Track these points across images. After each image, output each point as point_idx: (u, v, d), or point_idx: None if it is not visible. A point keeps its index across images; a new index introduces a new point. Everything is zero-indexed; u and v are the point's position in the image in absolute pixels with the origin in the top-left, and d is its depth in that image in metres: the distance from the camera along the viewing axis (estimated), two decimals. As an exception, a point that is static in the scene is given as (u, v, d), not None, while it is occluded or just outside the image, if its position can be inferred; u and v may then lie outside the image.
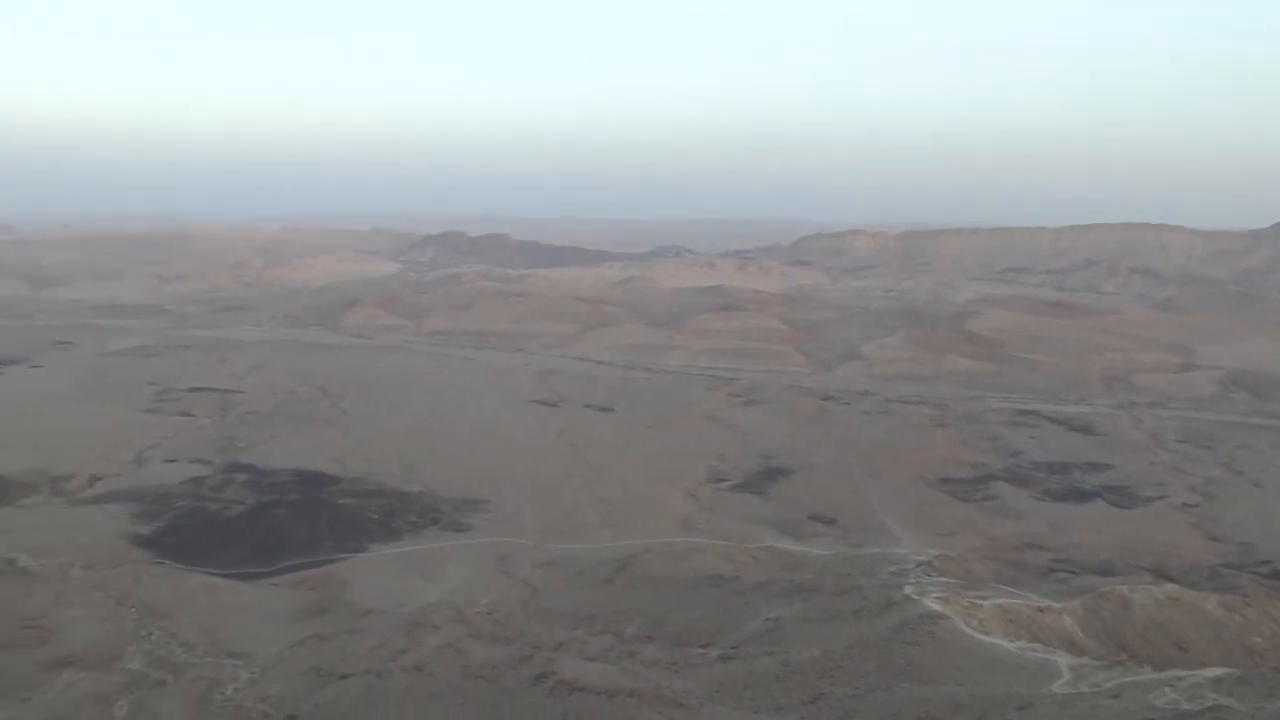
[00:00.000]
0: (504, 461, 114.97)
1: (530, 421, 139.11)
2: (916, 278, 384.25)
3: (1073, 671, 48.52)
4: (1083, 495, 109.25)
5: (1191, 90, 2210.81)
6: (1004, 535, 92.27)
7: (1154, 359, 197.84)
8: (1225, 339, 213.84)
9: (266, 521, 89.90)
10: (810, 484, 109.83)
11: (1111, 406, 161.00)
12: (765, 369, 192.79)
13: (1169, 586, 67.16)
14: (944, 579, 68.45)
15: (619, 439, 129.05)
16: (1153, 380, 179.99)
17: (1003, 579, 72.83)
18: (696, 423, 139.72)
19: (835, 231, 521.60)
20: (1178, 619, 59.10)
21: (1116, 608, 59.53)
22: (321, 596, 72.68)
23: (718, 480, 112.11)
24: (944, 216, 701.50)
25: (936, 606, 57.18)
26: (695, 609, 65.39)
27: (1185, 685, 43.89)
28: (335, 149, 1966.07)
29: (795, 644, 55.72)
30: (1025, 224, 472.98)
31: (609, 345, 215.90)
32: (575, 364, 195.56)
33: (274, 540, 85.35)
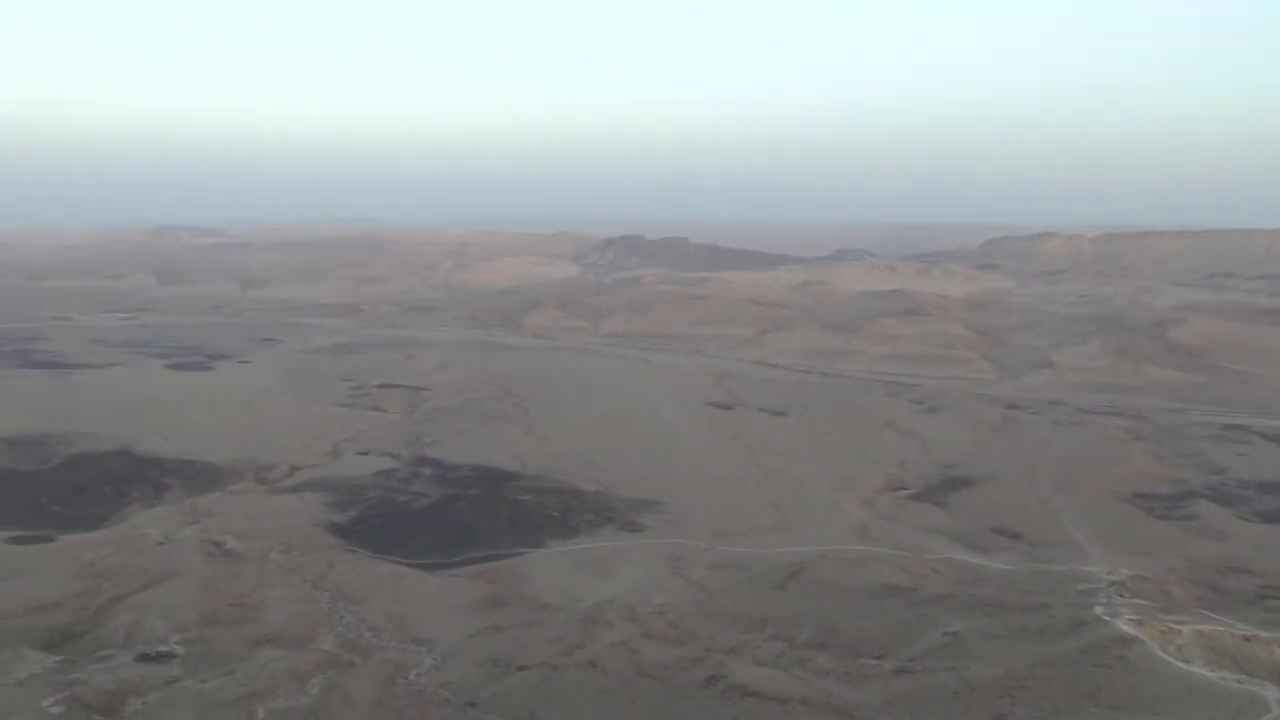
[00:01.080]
0: (679, 463, 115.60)
1: (705, 423, 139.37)
2: (1115, 283, 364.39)
3: (1283, 706, 45.15)
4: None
5: None
6: (1206, 557, 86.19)
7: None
8: None
9: (450, 514, 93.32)
10: (994, 495, 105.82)
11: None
12: (947, 375, 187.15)
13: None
14: (1138, 601, 64.80)
15: (794, 443, 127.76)
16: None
17: (1204, 604, 68.19)
18: (874, 429, 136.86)
19: (1025, 235, 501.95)
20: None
21: (1334, 641, 54.98)
22: (500, 589, 74.82)
23: (896, 488, 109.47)
24: (1145, 219, 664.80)
25: (1130, 629, 54.19)
26: (870, 619, 64.04)
27: None
28: (524, 155, 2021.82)
29: (975, 660, 53.82)
30: (1236, 226, 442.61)
31: (786, 349, 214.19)
32: (751, 367, 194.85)
33: (457, 533, 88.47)
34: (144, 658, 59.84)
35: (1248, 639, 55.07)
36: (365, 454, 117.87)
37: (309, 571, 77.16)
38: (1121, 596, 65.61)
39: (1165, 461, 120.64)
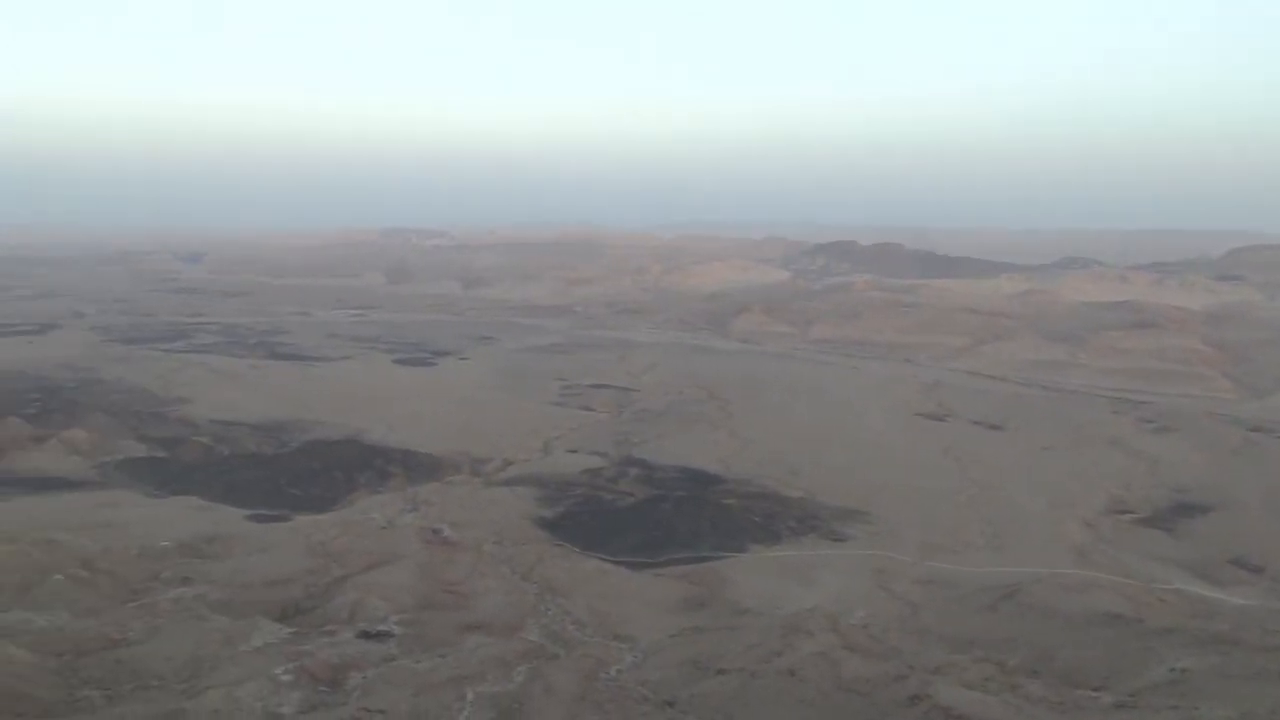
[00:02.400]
0: (886, 473, 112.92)
1: (915, 434, 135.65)
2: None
3: None
4: None
5: None
6: None
7: None
8: None
9: (655, 514, 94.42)
10: (1232, 524, 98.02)
11: None
12: (1182, 393, 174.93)
13: None
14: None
15: (1009, 459, 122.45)
16: None
17: None
18: (1098, 447, 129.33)
19: (1276, 243, 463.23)
20: None
21: None
22: (702, 591, 75.12)
23: (1120, 511, 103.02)
24: None
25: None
26: (1088, 648, 60.53)
27: None
28: (737, 160, 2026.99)
29: (1206, 700, 49.95)
30: None
31: (1003, 360, 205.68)
32: (965, 378, 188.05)
33: (660, 533, 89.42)
34: (365, 635, 63.37)
35: None
36: (575, 451, 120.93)
37: (519, 563, 79.80)
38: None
39: None
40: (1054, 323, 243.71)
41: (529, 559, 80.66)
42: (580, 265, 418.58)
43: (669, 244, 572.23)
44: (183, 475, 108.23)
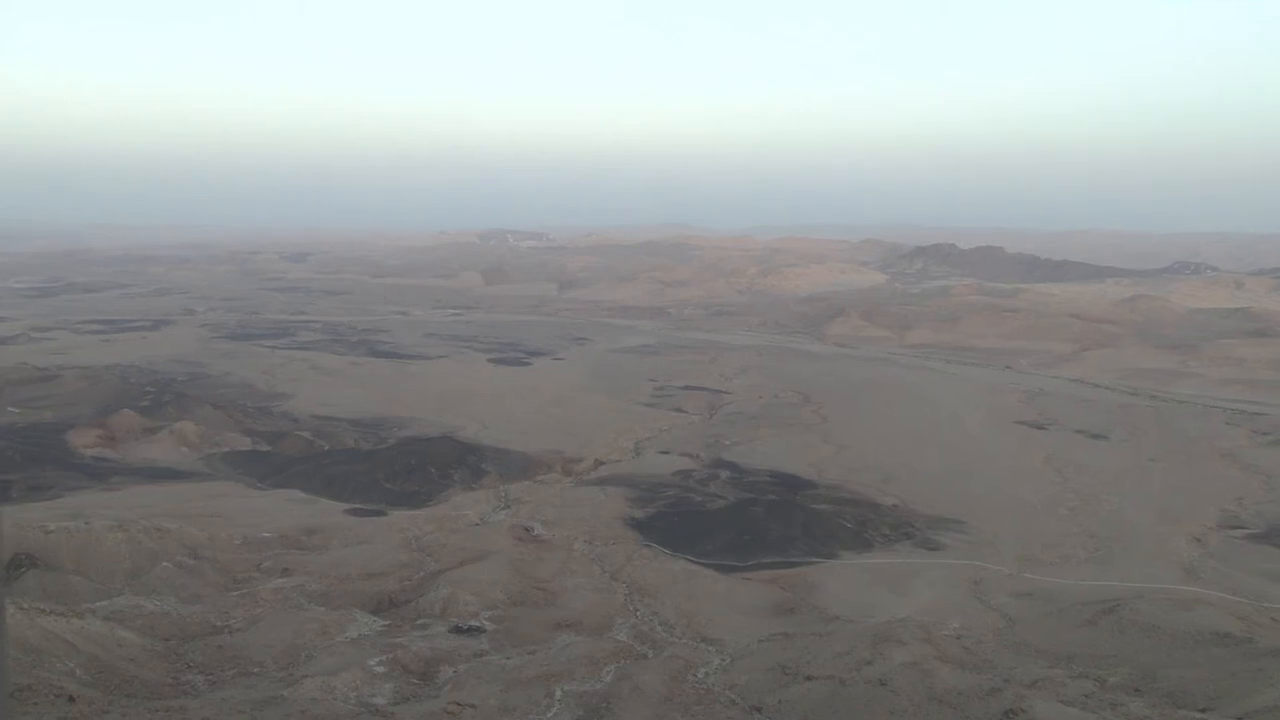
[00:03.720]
0: (983, 482, 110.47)
1: (1014, 443, 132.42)
2: None
3: None
4: None
5: None
6: None
7: None
8: None
9: (745, 518, 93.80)
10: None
11: None
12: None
13: None
14: None
15: (1114, 469, 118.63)
16: None
17: None
18: (1209, 460, 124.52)
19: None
20: None
21: None
22: (791, 596, 74.44)
23: (1232, 526, 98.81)
24: None
25: None
26: (1194, 667, 58.21)
27: None
28: (834, 158, 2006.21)
29: (1321, 726, 47.65)
30: None
31: (1108, 368, 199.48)
32: (1068, 385, 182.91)
33: (750, 536, 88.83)
34: (456, 630, 64.29)
35: None
36: (666, 453, 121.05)
37: (608, 562, 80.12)
38: None
39: None
40: (1163, 330, 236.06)
41: (619, 559, 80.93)
42: (675, 267, 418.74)
43: (765, 246, 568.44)
44: (285, 468, 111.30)
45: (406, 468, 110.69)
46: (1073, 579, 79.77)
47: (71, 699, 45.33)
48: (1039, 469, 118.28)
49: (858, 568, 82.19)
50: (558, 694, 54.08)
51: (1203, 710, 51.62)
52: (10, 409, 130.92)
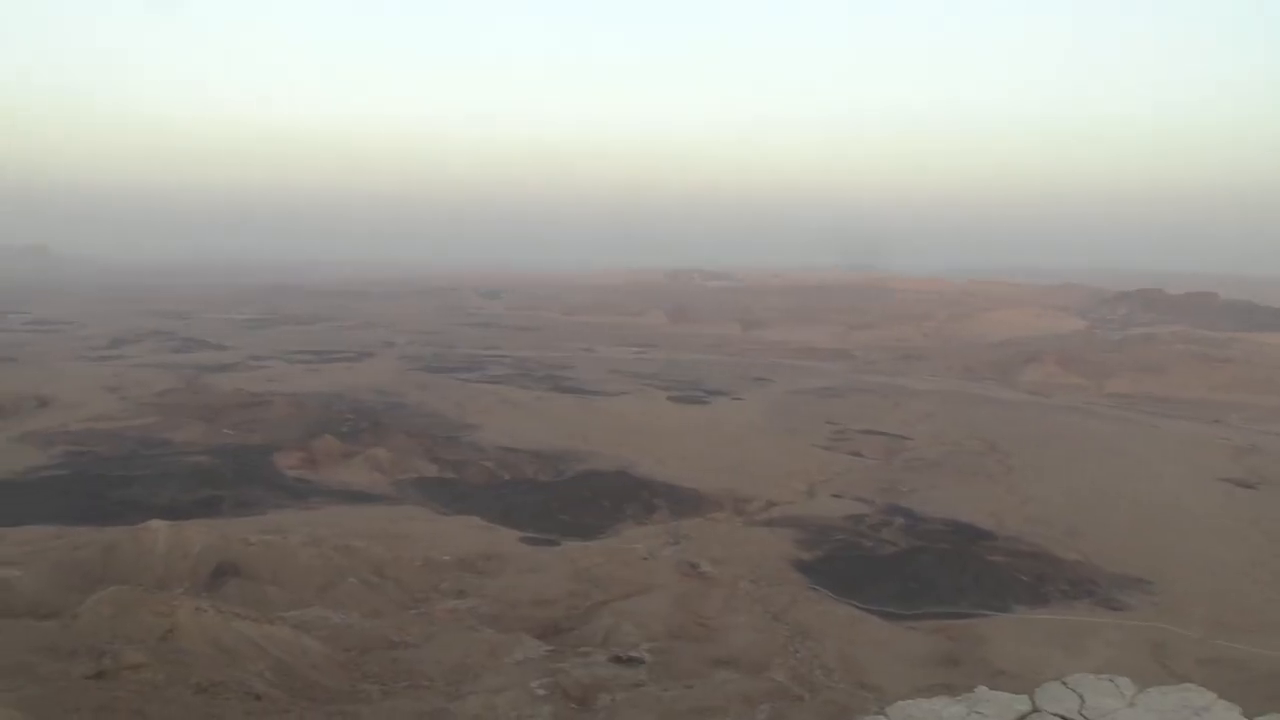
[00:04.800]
0: (1178, 541, 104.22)
1: (1217, 501, 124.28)
2: None
3: None
4: None
5: None
6: None
7: None
8: None
9: (915, 566, 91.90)
10: None
11: None
12: None
13: None
14: None
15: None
16: None
17: None
18: None
19: None
20: None
21: None
22: (956, 648, 72.61)
23: None
24: None
25: None
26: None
27: None
28: (1036, 201, 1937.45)
29: None
30: None
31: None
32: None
33: (918, 585, 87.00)
34: (616, 659, 65.86)
35: None
36: (839, 496, 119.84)
37: (772, 603, 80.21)
38: None
39: None
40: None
41: (782, 600, 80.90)
42: (862, 309, 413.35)
43: (957, 289, 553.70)
44: (467, 496, 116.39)
45: (581, 500, 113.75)
46: (1271, 649, 74.48)
47: (258, 697, 49.24)
48: (1243, 531, 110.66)
49: (1031, 623, 79.21)
50: (710, 729, 54.75)
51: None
52: (226, 430, 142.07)
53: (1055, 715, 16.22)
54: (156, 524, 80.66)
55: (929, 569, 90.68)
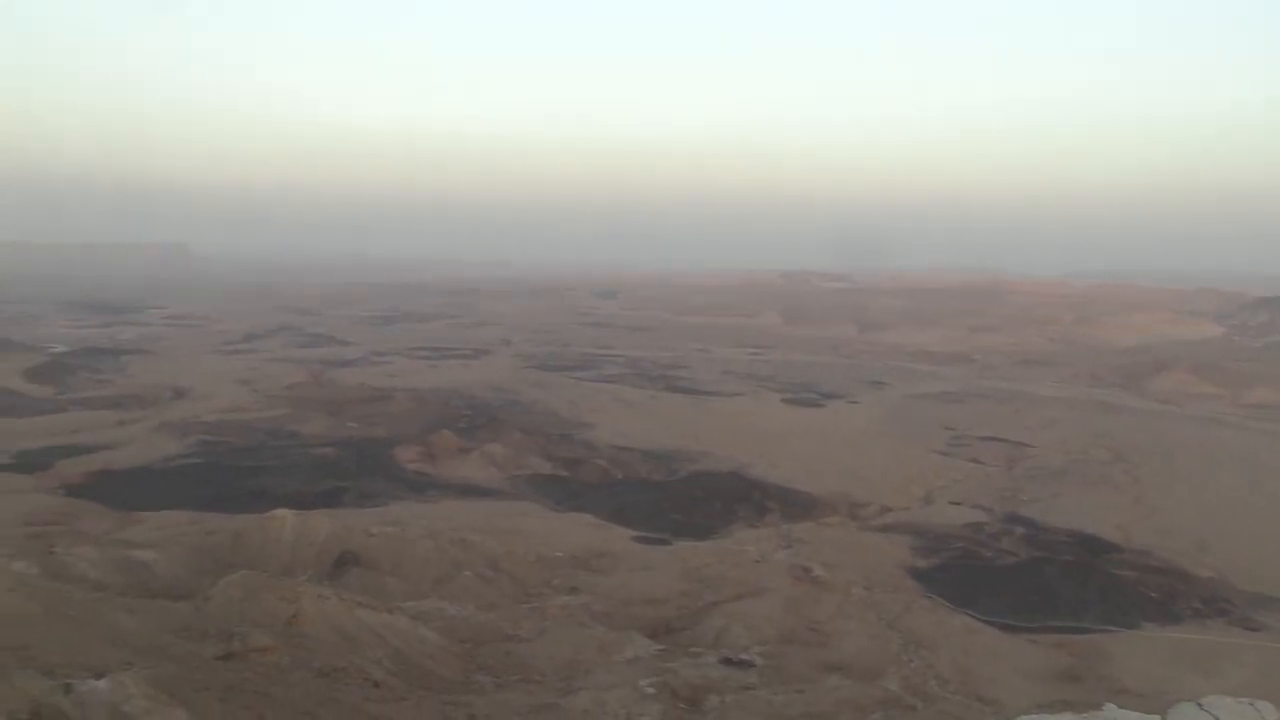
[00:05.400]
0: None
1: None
2: None
3: None
4: None
5: None
6: None
7: None
8: None
9: (1036, 578, 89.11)
10: None
11: None
12: None
13: None
14: None
15: None
16: None
17: None
18: None
19: None
20: None
21: None
22: (1078, 663, 70.16)
23: None
24: None
25: None
26: None
27: None
28: (1167, 205, 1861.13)
29: None
30: None
31: None
32: None
33: (1039, 597, 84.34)
34: (727, 661, 65.62)
35: None
36: (957, 504, 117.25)
37: (885, 610, 78.84)
38: None
39: None
40: None
41: (896, 607, 79.43)
42: (983, 312, 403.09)
43: (1083, 293, 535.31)
44: (580, 493, 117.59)
45: (693, 500, 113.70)
46: None
47: (376, 684, 50.59)
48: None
49: (1159, 641, 76.06)
50: (820, 735, 54.10)
51: None
52: (350, 423, 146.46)
53: (1190, 737, 15.60)
54: (284, 513, 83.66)
55: (1050, 581, 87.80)
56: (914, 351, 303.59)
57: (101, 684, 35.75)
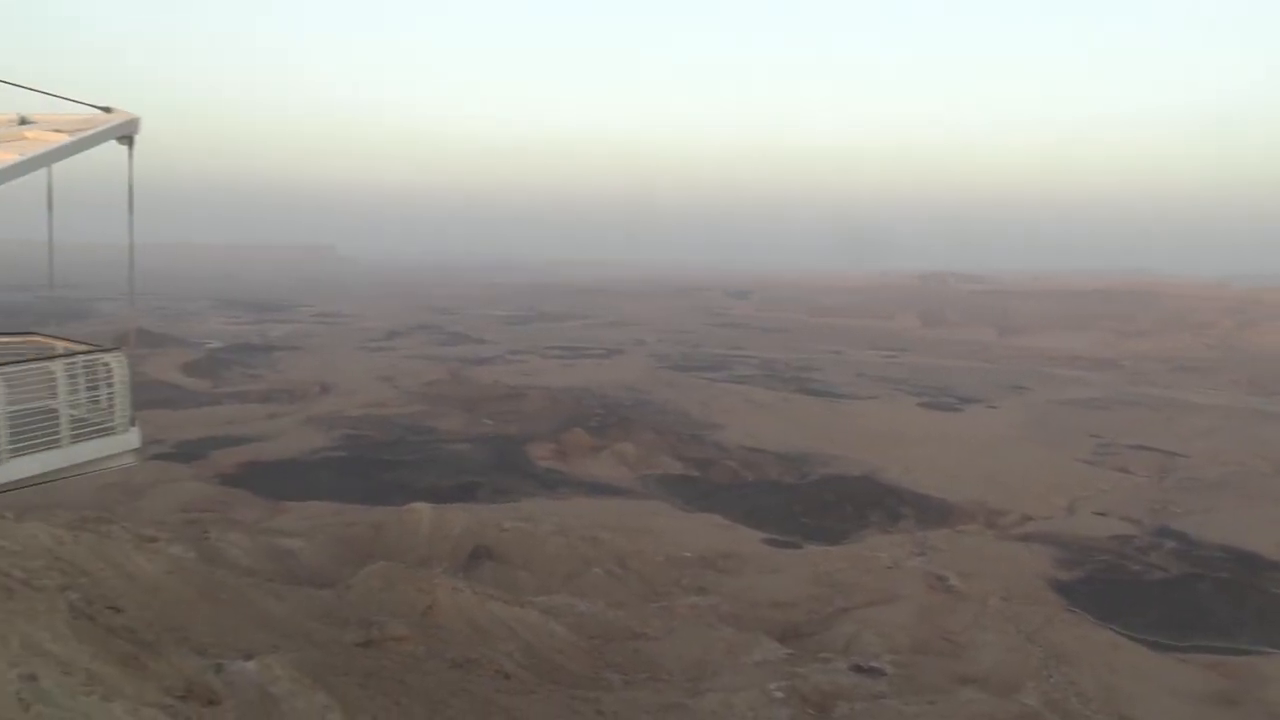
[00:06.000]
0: None
1: None
2: None
3: None
4: None
5: None
6: None
7: None
8: None
9: (1188, 594, 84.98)
10: None
11: None
12: None
13: None
14: None
15: None
16: None
17: None
18: None
19: None
20: None
21: None
22: (1234, 686, 66.30)
23: None
24: None
25: None
26: None
27: None
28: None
29: None
30: None
31: None
32: None
33: (1191, 615, 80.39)
34: (857, 669, 64.34)
35: None
36: (1102, 515, 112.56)
37: (1025, 622, 76.09)
38: None
39: None
40: None
41: (1036, 620, 76.53)
42: (1134, 316, 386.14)
43: (1244, 296, 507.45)
44: (710, 494, 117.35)
45: (824, 504, 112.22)
46: None
47: (507, 676, 51.36)
48: None
49: (1325, 666, 71.56)
50: (953, 749, 52.60)
51: None
52: (485, 420, 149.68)
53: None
54: (421, 506, 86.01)
55: (1204, 598, 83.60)
56: (1058, 356, 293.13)
57: (250, 665, 37.19)
